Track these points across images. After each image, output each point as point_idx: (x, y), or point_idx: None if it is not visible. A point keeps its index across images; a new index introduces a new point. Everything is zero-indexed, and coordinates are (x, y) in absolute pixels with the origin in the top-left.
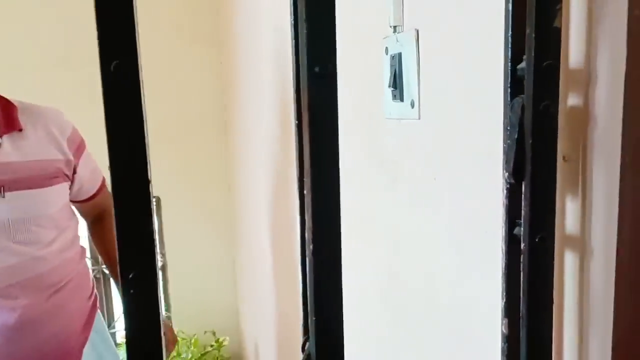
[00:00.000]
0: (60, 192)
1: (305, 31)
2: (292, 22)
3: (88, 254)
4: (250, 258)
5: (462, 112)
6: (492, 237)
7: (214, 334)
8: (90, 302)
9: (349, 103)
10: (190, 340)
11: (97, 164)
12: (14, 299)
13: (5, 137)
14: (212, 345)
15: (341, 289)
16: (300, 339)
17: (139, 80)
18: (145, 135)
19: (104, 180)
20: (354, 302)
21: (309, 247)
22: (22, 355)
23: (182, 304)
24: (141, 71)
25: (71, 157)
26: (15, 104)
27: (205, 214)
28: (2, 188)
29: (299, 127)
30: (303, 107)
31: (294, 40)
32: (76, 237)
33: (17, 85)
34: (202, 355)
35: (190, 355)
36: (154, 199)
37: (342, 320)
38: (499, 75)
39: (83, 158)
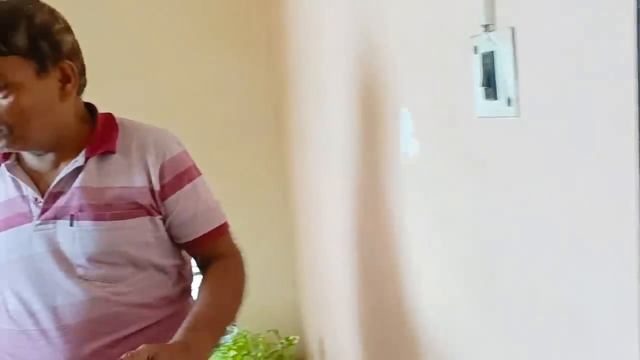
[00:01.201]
0: (141, 227)
1: None
2: None
3: None
4: (315, 259)
5: (571, 109)
6: (616, 239)
7: (276, 332)
8: None
9: (430, 103)
10: (257, 339)
11: (212, 205)
12: (58, 346)
13: (92, 159)
14: (282, 343)
15: None
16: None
17: None
18: None
19: (222, 227)
20: (440, 304)
21: None
22: None
23: (245, 305)
24: None
25: (157, 187)
26: (121, 124)
27: (262, 214)
28: (72, 215)
29: None
30: None
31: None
32: (169, 281)
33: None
34: (272, 353)
35: (259, 354)
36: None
37: None
38: (613, 72)
39: (184, 191)
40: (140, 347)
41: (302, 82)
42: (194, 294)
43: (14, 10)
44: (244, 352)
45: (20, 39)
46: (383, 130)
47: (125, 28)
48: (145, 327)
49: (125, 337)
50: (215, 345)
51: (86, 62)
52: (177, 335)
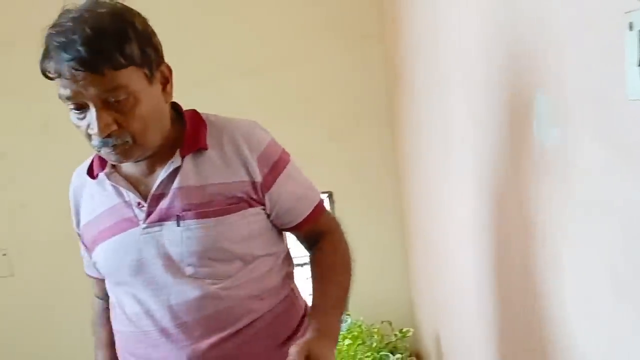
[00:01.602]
0: (243, 220)
1: None
2: None
3: None
4: (431, 252)
5: None
6: None
7: (390, 324)
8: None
9: (574, 85)
10: (372, 329)
11: (307, 185)
12: (183, 340)
13: (187, 158)
14: (395, 335)
15: None
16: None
17: None
18: None
19: (319, 204)
20: (582, 302)
21: None
22: None
23: (358, 295)
24: None
25: (259, 179)
26: (207, 120)
27: (376, 206)
28: (178, 215)
29: None
30: None
31: None
32: (274, 270)
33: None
34: (386, 344)
35: (375, 344)
36: (326, 194)
37: None
38: None
39: (281, 179)
40: (291, 349)
41: (418, 73)
42: (296, 278)
43: (120, 21)
44: (359, 341)
45: (134, 49)
46: (513, 116)
47: (238, 24)
48: (256, 320)
49: (239, 331)
50: (341, 321)
51: (204, 61)
52: (312, 324)
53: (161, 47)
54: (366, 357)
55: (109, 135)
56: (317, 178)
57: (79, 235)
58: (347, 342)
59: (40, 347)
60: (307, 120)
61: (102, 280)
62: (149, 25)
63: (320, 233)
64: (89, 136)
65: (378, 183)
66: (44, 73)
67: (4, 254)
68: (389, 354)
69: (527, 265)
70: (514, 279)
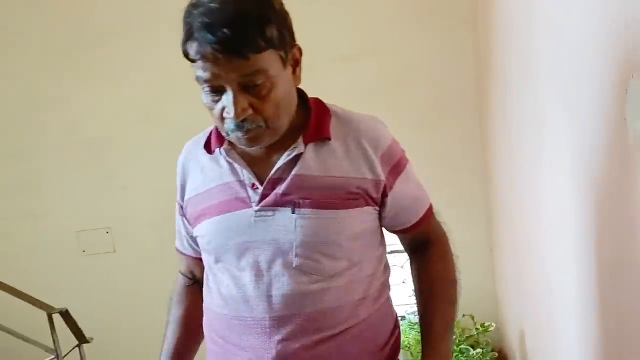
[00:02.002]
0: (357, 217)
1: None
2: None
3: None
4: (518, 247)
5: None
6: None
7: (472, 318)
8: (381, 356)
9: None
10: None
11: (420, 187)
12: (274, 334)
13: (310, 145)
14: (477, 329)
15: None
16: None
17: None
18: None
19: (431, 206)
20: None
21: None
22: None
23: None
24: None
25: (383, 178)
26: (332, 110)
27: (460, 198)
28: (294, 202)
29: None
30: None
31: None
32: (373, 276)
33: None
34: (467, 337)
35: (454, 336)
36: None
37: None
38: None
39: (401, 179)
40: None
41: (509, 62)
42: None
43: (261, 1)
44: None
45: (274, 31)
46: (612, 108)
47: (329, 10)
48: (352, 326)
49: (334, 335)
50: (453, 342)
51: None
52: (426, 355)
53: (291, 25)
54: None
55: (244, 120)
56: None
57: (180, 207)
58: None
59: (137, 320)
60: (392, 108)
61: (191, 258)
62: (283, 4)
63: (426, 238)
64: (222, 119)
65: (464, 175)
66: (185, 54)
67: (107, 232)
68: (469, 347)
69: (628, 264)
70: (614, 279)
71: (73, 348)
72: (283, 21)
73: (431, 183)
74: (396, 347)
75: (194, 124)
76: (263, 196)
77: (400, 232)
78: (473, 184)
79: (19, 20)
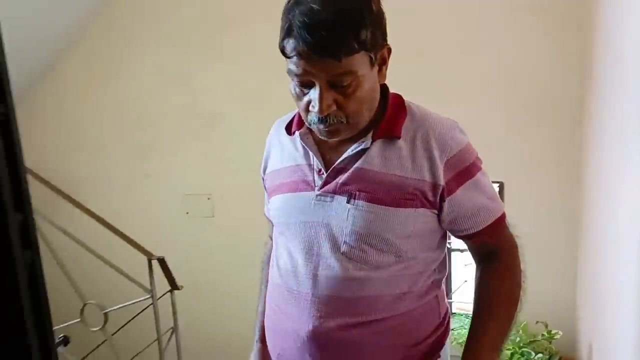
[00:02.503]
0: (410, 217)
1: None
2: None
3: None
4: (597, 256)
5: None
6: None
7: (546, 326)
8: (422, 348)
9: None
10: (520, 325)
11: (491, 196)
12: (313, 310)
13: (378, 141)
14: (542, 335)
15: None
16: None
17: None
18: None
19: (500, 218)
20: None
21: None
22: None
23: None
24: None
25: (442, 182)
26: (409, 108)
27: (549, 203)
28: (351, 193)
29: None
30: None
31: None
32: (421, 274)
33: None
34: (531, 342)
35: (518, 339)
36: (497, 184)
37: None
38: None
39: (466, 185)
40: None
41: (604, 65)
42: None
43: (360, 3)
44: None
45: (368, 34)
46: None
47: (427, 5)
48: (391, 317)
49: (370, 322)
50: (499, 354)
51: (397, 39)
52: None
53: (385, 25)
54: (507, 349)
55: (327, 115)
56: (489, 166)
57: (262, 179)
58: None
59: (223, 277)
60: (488, 105)
61: None
62: (380, 3)
63: (494, 250)
64: (307, 110)
65: (555, 179)
66: (282, 50)
67: (209, 198)
68: (531, 351)
69: None
70: None
71: (166, 292)
72: (379, 23)
73: (520, 185)
74: (438, 342)
75: (294, 107)
76: (325, 182)
77: (464, 238)
78: (563, 189)
79: (155, 5)
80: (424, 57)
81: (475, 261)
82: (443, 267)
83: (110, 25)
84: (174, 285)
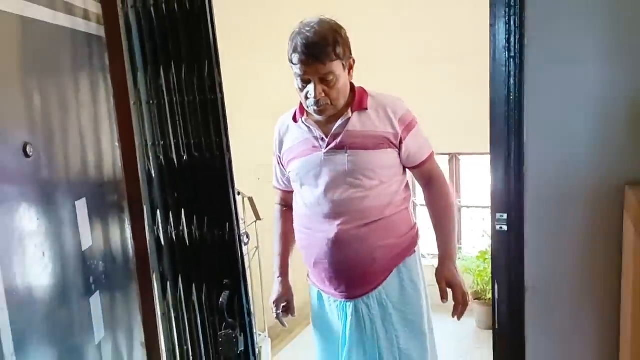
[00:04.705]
0: (384, 155)
1: None
2: None
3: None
4: None
5: None
6: None
7: None
8: (402, 242)
9: None
10: None
11: (425, 140)
12: (335, 222)
13: (355, 113)
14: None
15: None
16: None
17: None
18: None
19: (431, 153)
20: None
21: None
22: (335, 261)
23: None
24: None
25: (399, 132)
26: (369, 93)
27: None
28: (345, 147)
29: None
30: None
31: None
32: (396, 192)
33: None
34: None
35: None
36: None
37: None
38: None
39: (412, 133)
40: (448, 291)
41: None
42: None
43: (334, 31)
44: None
45: (340, 50)
46: None
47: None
48: (382, 218)
49: (371, 222)
50: (456, 245)
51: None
52: (440, 252)
53: (350, 46)
54: None
55: (319, 99)
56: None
57: (279, 157)
58: None
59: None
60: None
61: (284, 191)
62: (346, 32)
63: (430, 176)
64: (306, 98)
65: None
66: (290, 60)
67: (258, 179)
68: None
69: None
70: None
71: (252, 222)
72: (346, 44)
73: None
74: (412, 241)
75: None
76: (328, 144)
77: (412, 169)
78: None
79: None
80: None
81: (421, 185)
82: (408, 188)
83: None
84: (257, 217)
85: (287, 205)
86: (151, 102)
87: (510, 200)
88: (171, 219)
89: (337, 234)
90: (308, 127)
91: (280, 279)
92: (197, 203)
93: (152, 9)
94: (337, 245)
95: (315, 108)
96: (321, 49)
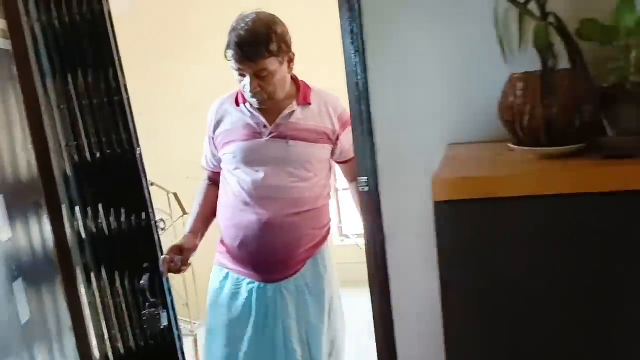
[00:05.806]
0: (321, 149)
1: None
2: None
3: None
4: None
5: None
6: None
7: None
8: (321, 232)
9: None
10: None
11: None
12: (269, 206)
13: (300, 107)
14: None
15: None
16: None
17: None
18: None
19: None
20: None
21: None
22: (261, 245)
23: None
24: None
25: (337, 129)
26: (312, 88)
27: None
28: (287, 137)
29: None
30: None
31: None
32: (325, 186)
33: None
34: None
35: None
36: None
37: None
38: None
39: (346, 132)
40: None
41: None
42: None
43: (268, 27)
44: None
45: (274, 46)
46: None
47: None
48: (311, 209)
49: (302, 212)
50: None
51: None
52: None
53: (291, 41)
54: None
55: (255, 93)
56: None
57: (212, 138)
58: None
59: None
60: None
61: (212, 172)
62: (285, 27)
63: (350, 173)
64: (244, 90)
65: None
66: (225, 56)
67: (187, 177)
68: None
69: None
70: None
71: (180, 217)
72: (283, 39)
73: None
74: (328, 231)
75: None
76: (271, 132)
77: (342, 163)
78: None
79: (156, 21)
80: None
81: (348, 179)
82: (329, 186)
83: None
84: (184, 212)
85: (214, 183)
86: (62, 106)
87: (366, 165)
88: (90, 213)
89: (270, 219)
90: (251, 113)
91: (189, 235)
92: (114, 196)
93: (56, 21)
94: (269, 229)
95: (254, 100)
96: (253, 47)
